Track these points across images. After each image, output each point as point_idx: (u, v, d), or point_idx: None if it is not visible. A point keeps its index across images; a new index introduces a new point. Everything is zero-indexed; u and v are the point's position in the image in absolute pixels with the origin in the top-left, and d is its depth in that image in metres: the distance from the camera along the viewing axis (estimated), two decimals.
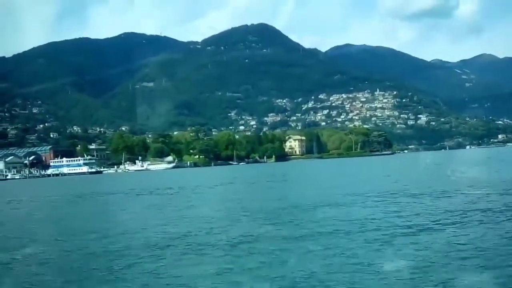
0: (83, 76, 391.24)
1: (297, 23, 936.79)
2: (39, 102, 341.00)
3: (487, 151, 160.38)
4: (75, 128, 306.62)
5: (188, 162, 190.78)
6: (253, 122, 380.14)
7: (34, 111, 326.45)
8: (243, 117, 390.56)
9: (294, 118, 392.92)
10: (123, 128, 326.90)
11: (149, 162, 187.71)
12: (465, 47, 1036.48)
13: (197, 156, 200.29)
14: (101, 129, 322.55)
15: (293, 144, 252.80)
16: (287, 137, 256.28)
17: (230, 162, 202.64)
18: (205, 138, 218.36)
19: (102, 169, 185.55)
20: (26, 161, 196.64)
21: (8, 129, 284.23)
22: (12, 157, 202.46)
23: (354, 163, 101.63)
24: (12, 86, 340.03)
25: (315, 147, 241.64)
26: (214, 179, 59.45)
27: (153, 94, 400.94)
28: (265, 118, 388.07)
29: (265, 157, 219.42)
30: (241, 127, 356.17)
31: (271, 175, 65.85)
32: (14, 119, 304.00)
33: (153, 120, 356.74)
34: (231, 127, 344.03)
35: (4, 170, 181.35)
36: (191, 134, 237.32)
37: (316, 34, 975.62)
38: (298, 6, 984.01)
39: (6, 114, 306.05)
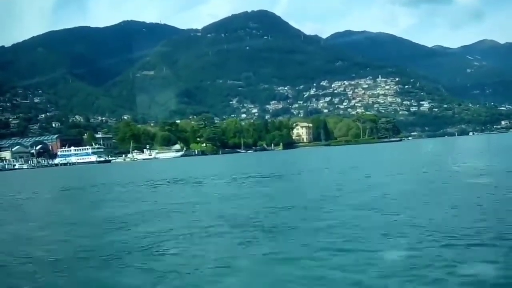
0: (83, 65, 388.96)
1: (297, 9, 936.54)
2: (40, 91, 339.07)
3: (492, 138, 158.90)
4: (77, 117, 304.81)
5: (196, 151, 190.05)
6: (255, 110, 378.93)
7: (36, 100, 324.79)
8: (245, 105, 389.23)
9: (296, 105, 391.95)
10: (125, 117, 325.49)
11: (157, 151, 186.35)
12: (466, 32, 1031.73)
13: (204, 144, 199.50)
14: (103, 118, 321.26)
15: (300, 131, 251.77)
16: (294, 125, 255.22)
17: (238, 150, 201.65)
18: (212, 126, 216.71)
19: (110, 158, 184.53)
20: (33, 151, 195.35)
21: (10, 119, 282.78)
22: (18, 146, 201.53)
23: (366, 150, 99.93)
24: (12, 75, 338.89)
25: (323, 134, 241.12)
26: (236, 168, 57.56)
27: (154, 82, 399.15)
28: (267, 106, 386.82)
29: (272, 144, 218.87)
30: (243, 115, 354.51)
31: (301, 162, 63.70)
32: (15, 109, 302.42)
33: (154, 108, 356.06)
34: (233, 115, 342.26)
35: (11, 159, 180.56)
36: (197, 122, 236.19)
37: (316, 21, 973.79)
38: None
39: (8, 104, 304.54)
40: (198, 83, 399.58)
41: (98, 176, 61.57)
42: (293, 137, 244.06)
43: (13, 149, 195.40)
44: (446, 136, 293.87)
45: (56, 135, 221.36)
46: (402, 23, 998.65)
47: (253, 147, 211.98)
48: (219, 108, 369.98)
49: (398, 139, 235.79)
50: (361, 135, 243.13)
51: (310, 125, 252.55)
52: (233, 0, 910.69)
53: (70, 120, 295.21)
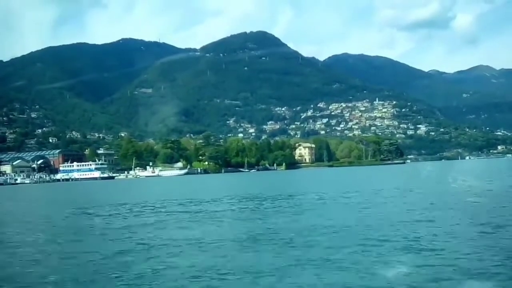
0: (81, 81, 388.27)
1: (295, 31, 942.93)
2: (37, 106, 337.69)
3: (489, 162, 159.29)
4: (74, 133, 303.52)
5: (199, 169, 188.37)
6: (252, 130, 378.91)
7: (32, 115, 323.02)
8: (242, 124, 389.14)
9: (293, 126, 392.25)
10: (122, 134, 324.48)
11: (160, 168, 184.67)
12: (462, 58, 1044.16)
13: (206, 163, 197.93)
14: (100, 135, 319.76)
15: (302, 151, 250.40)
16: (296, 145, 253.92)
17: (241, 169, 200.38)
18: (215, 145, 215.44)
19: (114, 175, 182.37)
20: (34, 165, 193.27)
21: (7, 133, 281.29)
22: (19, 160, 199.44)
23: (373, 172, 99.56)
24: (10, 90, 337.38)
25: (325, 155, 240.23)
26: (244, 188, 56.55)
27: (152, 100, 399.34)
28: (264, 126, 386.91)
29: (275, 164, 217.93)
30: (240, 135, 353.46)
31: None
32: (12, 123, 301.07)
33: (152, 126, 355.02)
34: (230, 135, 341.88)
35: (13, 174, 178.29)
36: (200, 140, 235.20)
37: (313, 43, 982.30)
38: (296, 14, 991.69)
39: (4, 118, 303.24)
40: (196, 102, 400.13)
41: (113, 194, 59.93)
42: (296, 157, 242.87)
43: (13, 163, 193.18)
44: (443, 160, 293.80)
45: (58, 150, 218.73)
46: (399, 47, 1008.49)
47: (256, 167, 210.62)
48: (216, 127, 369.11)
49: (401, 161, 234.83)
50: (364, 156, 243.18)
51: (313, 145, 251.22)
52: (231, 20, 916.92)
53: (67, 136, 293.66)
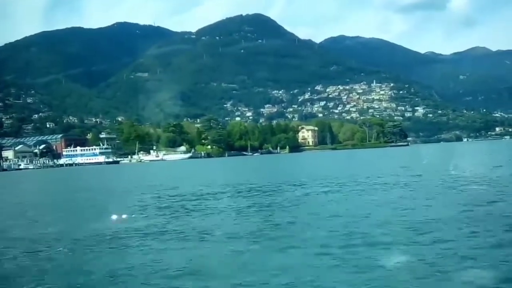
0: (76, 66, 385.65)
1: (291, 14, 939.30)
2: (32, 92, 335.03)
3: (491, 144, 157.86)
4: (71, 118, 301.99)
5: (202, 153, 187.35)
6: (249, 113, 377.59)
7: (28, 101, 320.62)
8: (239, 108, 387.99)
9: (291, 109, 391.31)
10: (119, 119, 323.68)
11: (164, 152, 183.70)
12: (458, 39, 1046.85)
13: (209, 147, 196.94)
14: (97, 119, 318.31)
15: (306, 134, 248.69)
16: (299, 127, 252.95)
17: (244, 152, 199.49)
18: (218, 128, 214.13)
19: (118, 159, 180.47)
20: (36, 150, 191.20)
21: (3, 119, 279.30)
22: (21, 146, 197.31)
23: (381, 154, 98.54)
24: (5, 75, 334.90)
25: (328, 138, 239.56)
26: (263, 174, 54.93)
27: (148, 84, 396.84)
28: (262, 109, 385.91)
29: (278, 147, 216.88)
30: (237, 118, 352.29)
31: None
32: (8, 108, 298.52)
33: (148, 110, 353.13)
34: (227, 118, 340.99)
35: (16, 159, 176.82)
36: (202, 124, 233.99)
37: (309, 25, 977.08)
38: None
39: (0, 104, 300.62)
40: (193, 85, 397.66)
41: (129, 179, 58.00)
42: (299, 140, 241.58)
43: (15, 149, 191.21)
44: (441, 142, 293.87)
45: (60, 135, 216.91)
46: (395, 29, 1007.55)
47: (259, 150, 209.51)
48: (213, 111, 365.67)
49: (405, 143, 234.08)
50: (367, 139, 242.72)
51: (316, 128, 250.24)
52: (227, 3, 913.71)
53: (65, 121, 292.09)
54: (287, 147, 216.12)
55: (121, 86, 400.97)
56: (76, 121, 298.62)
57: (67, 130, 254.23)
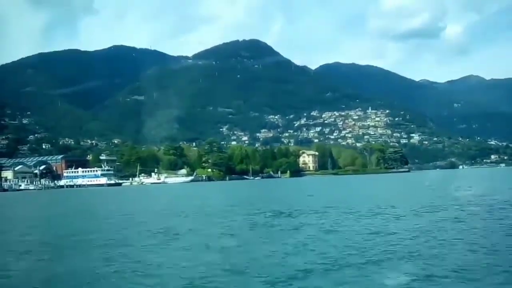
0: (72, 88, 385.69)
1: (287, 40, 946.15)
2: (28, 113, 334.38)
3: (491, 172, 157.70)
4: (67, 140, 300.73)
5: (204, 176, 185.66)
6: (245, 138, 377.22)
7: (24, 121, 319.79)
8: (235, 132, 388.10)
9: (287, 134, 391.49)
10: (115, 141, 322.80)
11: (166, 175, 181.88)
12: (452, 68, 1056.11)
13: (210, 170, 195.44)
14: (93, 141, 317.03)
15: (306, 159, 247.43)
16: (300, 152, 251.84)
17: (245, 176, 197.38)
18: (218, 152, 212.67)
19: (121, 181, 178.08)
20: (36, 171, 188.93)
21: None
22: (21, 166, 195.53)
23: (385, 181, 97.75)
24: (1, 96, 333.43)
25: (329, 163, 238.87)
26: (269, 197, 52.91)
27: (144, 107, 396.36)
28: (257, 134, 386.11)
29: (279, 172, 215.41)
30: (233, 143, 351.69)
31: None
32: (3, 129, 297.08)
33: (144, 133, 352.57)
34: (223, 143, 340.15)
35: (16, 180, 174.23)
36: (203, 147, 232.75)
37: (305, 52, 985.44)
38: (288, 23, 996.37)
39: None
40: (189, 109, 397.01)
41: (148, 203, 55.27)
42: (299, 165, 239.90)
43: (15, 169, 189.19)
44: (437, 169, 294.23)
45: (60, 156, 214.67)
46: (390, 57, 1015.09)
47: (260, 174, 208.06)
48: (209, 135, 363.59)
49: (406, 169, 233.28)
50: (368, 164, 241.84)
51: (316, 153, 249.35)
52: (223, 28, 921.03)
53: (60, 142, 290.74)
54: (288, 171, 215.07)
55: (117, 109, 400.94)
56: (72, 142, 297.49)
57: (63, 151, 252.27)
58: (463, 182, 59.06)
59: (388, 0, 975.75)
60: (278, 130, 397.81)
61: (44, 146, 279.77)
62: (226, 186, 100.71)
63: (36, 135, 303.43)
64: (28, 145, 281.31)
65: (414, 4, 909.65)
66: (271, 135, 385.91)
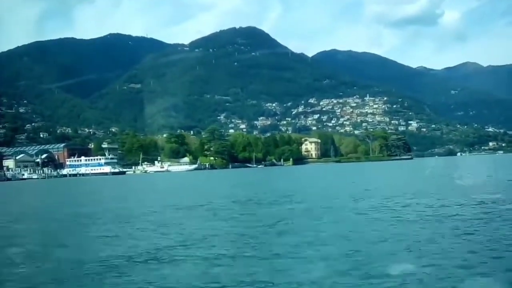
0: (69, 76, 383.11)
1: (284, 27, 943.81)
2: (25, 101, 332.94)
3: (494, 159, 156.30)
4: (65, 128, 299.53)
5: (207, 164, 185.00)
6: (242, 126, 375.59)
7: (21, 110, 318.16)
8: (233, 120, 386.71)
9: (284, 122, 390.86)
10: (112, 129, 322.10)
11: (169, 163, 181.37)
12: (449, 55, 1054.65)
13: (212, 158, 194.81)
14: (90, 130, 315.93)
15: (309, 147, 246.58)
16: (303, 140, 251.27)
17: (248, 164, 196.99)
18: (221, 139, 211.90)
19: (125, 170, 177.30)
20: (38, 160, 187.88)
21: None
22: (23, 155, 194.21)
23: (392, 168, 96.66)
24: None
25: (332, 150, 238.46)
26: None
27: (141, 95, 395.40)
28: (255, 122, 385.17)
29: (282, 160, 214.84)
30: (231, 131, 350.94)
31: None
32: (0, 118, 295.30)
33: (141, 121, 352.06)
34: (221, 130, 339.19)
35: (19, 169, 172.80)
36: (205, 135, 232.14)
37: (302, 39, 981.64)
38: (285, 10, 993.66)
39: None
40: (186, 97, 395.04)
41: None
42: (302, 153, 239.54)
43: (17, 158, 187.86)
44: (436, 156, 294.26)
45: (63, 144, 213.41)
46: (387, 44, 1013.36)
47: (263, 162, 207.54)
48: (206, 123, 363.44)
49: (409, 156, 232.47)
50: (371, 152, 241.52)
51: (319, 140, 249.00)
52: (220, 16, 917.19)
53: (58, 131, 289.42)
54: (291, 159, 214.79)
55: (114, 97, 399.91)
56: (70, 131, 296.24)
57: (61, 140, 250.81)
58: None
59: None
60: (276, 117, 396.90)
61: (41, 135, 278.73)
62: (241, 174, 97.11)
63: (33, 124, 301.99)
64: (25, 134, 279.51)
65: None
66: (269, 122, 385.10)
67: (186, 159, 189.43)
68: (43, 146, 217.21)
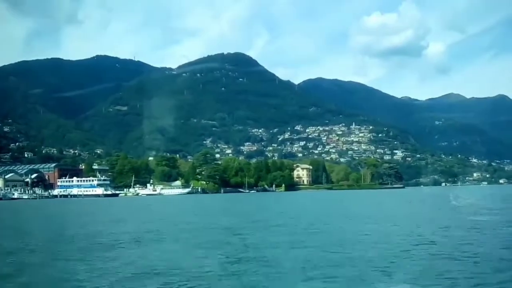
0: (55, 97, 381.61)
1: (270, 54, 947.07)
2: (9, 120, 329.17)
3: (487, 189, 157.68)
4: (49, 149, 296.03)
5: (199, 188, 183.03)
6: (229, 151, 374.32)
7: (5, 129, 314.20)
8: (219, 145, 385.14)
9: (270, 148, 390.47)
10: (97, 151, 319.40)
11: (161, 187, 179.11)
12: (433, 85, 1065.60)
13: (204, 182, 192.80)
14: (75, 151, 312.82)
15: (300, 173, 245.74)
16: (294, 166, 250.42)
17: (240, 189, 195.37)
18: (213, 163, 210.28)
19: (117, 192, 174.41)
20: (27, 179, 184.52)
21: None
22: (12, 174, 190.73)
23: (391, 196, 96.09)
24: None
25: (324, 177, 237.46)
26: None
27: (127, 118, 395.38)
28: (241, 147, 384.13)
29: (274, 185, 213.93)
30: (217, 155, 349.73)
31: None
32: None
33: (126, 144, 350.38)
34: (214, 155, 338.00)
35: (8, 188, 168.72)
36: (197, 158, 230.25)
37: (288, 66, 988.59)
38: (273, 38, 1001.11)
39: None
40: (172, 121, 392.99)
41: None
42: (294, 179, 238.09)
43: (6, 177, 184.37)
44: (421, 186, 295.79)
45: (54, 164, 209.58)
46: (372, 73, 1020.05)
47: (255, 188, 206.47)
48: (192, 147, 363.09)
49: (401, 185, 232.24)
50: (362, 180, 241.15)
51: (311, 167, 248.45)
52: (208, 41, 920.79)
53: (43, 151, 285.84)
54: (283, 185, 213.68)
55: (99, 119, 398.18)
56: (55, 151, 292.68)
57: (46, 160, 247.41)
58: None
59: (371, 17, 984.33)
60: (262, 143, 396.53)
61: (26, 155, 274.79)
62: (244, 199, 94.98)
63: (17, 143, 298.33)
64: (10, 153, 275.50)
65: (397, 22, 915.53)
66: (255, 148, 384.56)
67: (178, 183, 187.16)
68: (33, 165, 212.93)
